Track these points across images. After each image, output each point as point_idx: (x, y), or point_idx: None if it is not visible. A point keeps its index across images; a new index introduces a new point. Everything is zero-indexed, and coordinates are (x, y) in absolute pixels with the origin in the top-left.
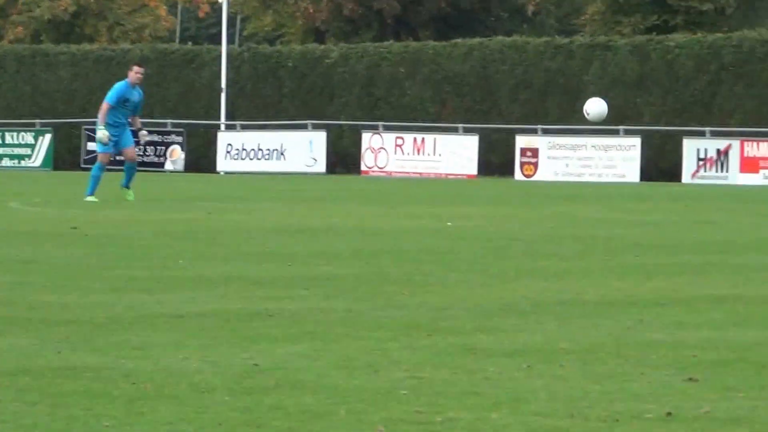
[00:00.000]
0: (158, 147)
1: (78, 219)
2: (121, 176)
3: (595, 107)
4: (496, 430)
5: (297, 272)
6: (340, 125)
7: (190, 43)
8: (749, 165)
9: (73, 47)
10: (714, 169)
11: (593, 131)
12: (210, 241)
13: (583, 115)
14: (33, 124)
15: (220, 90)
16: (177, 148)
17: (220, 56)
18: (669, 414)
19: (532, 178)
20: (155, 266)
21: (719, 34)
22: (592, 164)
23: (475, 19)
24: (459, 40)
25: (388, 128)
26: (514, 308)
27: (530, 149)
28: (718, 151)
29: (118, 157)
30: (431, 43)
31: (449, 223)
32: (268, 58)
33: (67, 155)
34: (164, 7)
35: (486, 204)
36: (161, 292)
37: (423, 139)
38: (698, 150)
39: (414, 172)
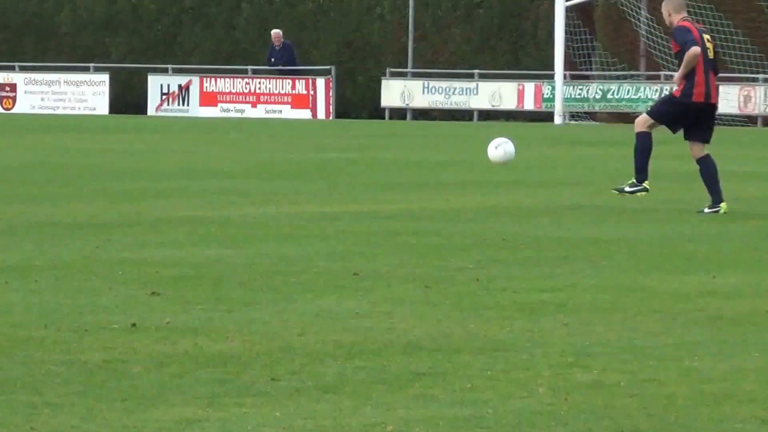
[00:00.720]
0: None
1: None
2: None
3: (502, 153)
4: None
5: None
6: None
7: None
8: (208, 99)
9: None
10: (176, 102)
11: (66, 69)
12: None
13: (60, 53)
14: None
15: None
16: None
17: None
18: (134, 325)
19: (11, 111)
20: None
21: None
22: (66, 98)
23: None
24: None
25: None
26: None
27: (9, 84)
28: (180, 87)
29: None
30: None
31: None
32: None
33: None
34: None
35: None
36: None
37: None
38: (162, 85)
39: None
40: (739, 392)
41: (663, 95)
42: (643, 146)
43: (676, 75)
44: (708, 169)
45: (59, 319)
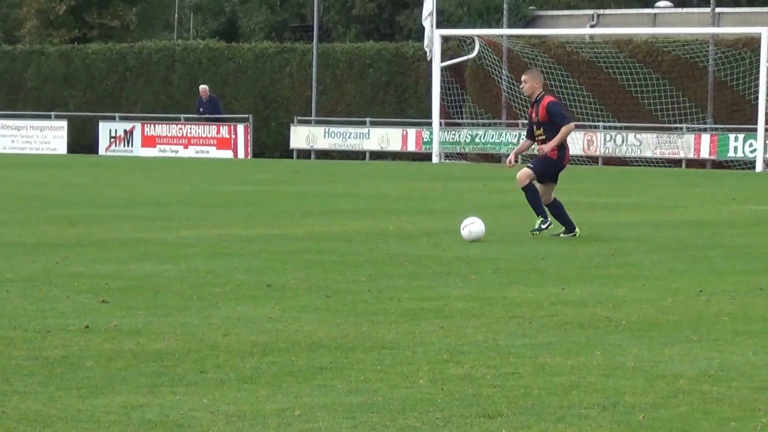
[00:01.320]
0: None
1: None
2: None
3: (467, 234)
4: None
5: None
6: None
7: None
8: (149, 141)
9: None
10: (123, 144)
11: (31, 116)
12: None
13: (26, 104)
14: None
15: None
16: None
17: None
18: (87, 327)
19: None
20: None
21: (125, 44)
22: (32, 140)
23: None
24: None
25: None
26: None
27: None
28: (125, 131)
29: None
30: None
31: None
32: None
33: None
34: None
35: None
36: None
37: None
38: (110, 130)
39: None
40: (584, 384)
41: (539, 155)
42: (533, 194)
43: (549, 145)
44: (558, 206)
45: (26, 322)
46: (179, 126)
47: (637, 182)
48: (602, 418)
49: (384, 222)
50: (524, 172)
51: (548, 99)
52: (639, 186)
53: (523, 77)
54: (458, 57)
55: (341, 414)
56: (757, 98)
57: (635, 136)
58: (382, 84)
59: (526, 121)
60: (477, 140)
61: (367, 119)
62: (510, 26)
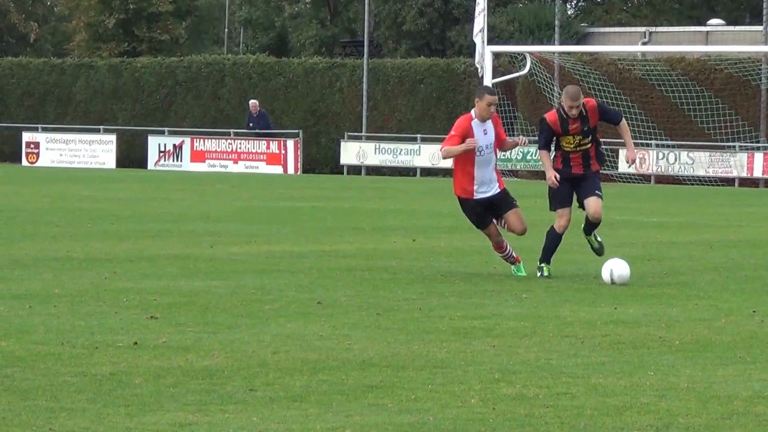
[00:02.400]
0: None
1: None
2: None
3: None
4: (4, 356)
5: None
6: None
7: None
8: (198, 156)
9: None
10: (172, 159)
11: (80, 130)
12: None
13: (75, 117)
14: None
15: None
16: None
17: None
18: (136, 343)
19: (35, 164)
20: None
21: (174, 58)
22: (80, 154)
23: None
24: None
25: None
26: (19, 263)
27: (33, 142)
28: (174, 146)
29: None
30: None
31: None
32: None
33: None
34: None
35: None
36: None
37: None
38: (159, 144)
39: None
40: (637, 404)
41: (593, 170)
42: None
43: (632, 148)
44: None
45: (74, 338)
46: (229, 141)
47: (690, 201)
48: None
49: (435, 240)
50: (600, 205)
51: (591, 100)
52: (691, 205)
53: (575, 102)
54: (509, 73)
55: None
56: None
57: (688, 154)
58: (432, 100)
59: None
60: (528, 157)
61: (418, 135)
62: (561, 43)
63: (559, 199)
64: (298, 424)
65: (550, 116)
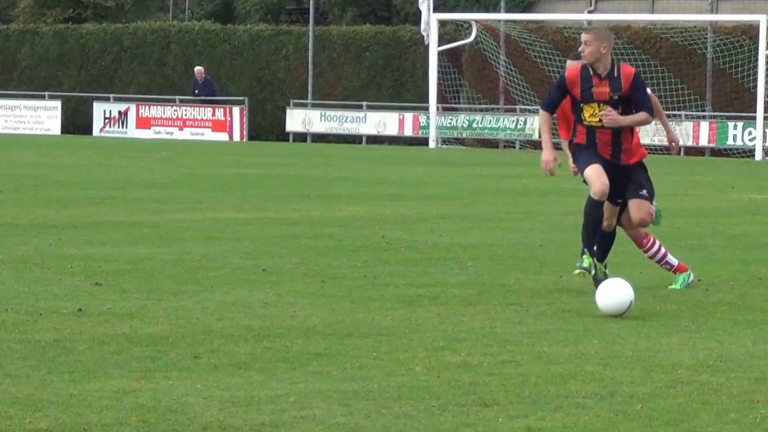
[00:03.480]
0: None
1: None
2: None
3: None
4: None
5: None
6: None
7: None
8: (143, 123)
9: None
10: (117, 125)
11: (25, 96)
12: None
13: (20, 83)
14: None
15: None
16: None
17: None
18: (80, 310)
19: None
20: None
21: (119, 24)
22: (25, 121)
23: None
24: None
25: None
26: None
27: None
28: (120, 112)
29: None
30: None
31: None
32: None
33: None
34: None
35: None
36: None
37: None
38: (104, 111)
39: None
40: (582, 373)
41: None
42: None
43: (626, 118)
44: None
45: (18, 304)
46: (174, 108)
47: None
48: (600, 408)
49: (380, 207)
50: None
51: (629, 68)
52: None
53: (585, 37)
54: (455, 41)
55: (336, 401)
56: (755, 86)
57: None
58: (378, 68)
59: (524, 106)
60: (474, 125)
61: (364, 103)
62: (507, 11)
63: (585, 155)
64: (242, 392)
65: (571, 71)
